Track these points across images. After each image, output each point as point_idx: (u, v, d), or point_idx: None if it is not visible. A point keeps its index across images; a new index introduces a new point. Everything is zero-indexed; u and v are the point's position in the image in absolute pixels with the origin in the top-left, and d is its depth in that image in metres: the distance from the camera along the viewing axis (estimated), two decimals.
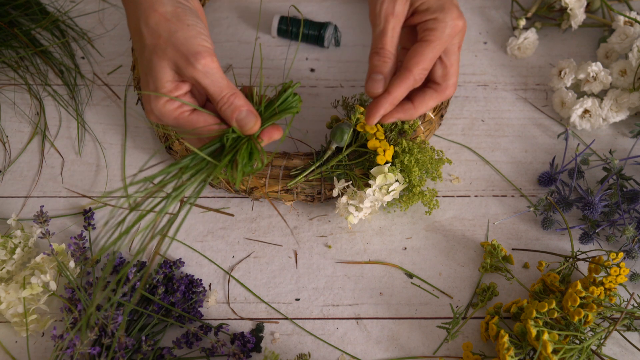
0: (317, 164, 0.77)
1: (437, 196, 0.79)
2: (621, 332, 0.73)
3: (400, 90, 0.67)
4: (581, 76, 0.85)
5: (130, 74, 0.89)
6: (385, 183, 0.74)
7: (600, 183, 0.81)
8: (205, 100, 0.67)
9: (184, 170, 0.62)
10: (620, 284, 0.73)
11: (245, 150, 0.63)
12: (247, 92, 0.67)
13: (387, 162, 0.75)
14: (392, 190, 0.74)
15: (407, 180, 0.76)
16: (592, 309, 0.68)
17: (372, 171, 0.74)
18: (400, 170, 0.76)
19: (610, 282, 0.71)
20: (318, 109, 0.87)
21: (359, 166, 0.77)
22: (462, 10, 0.94)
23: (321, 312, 0.75)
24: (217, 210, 0.80)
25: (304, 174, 0.76)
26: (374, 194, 0.74)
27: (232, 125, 0.64)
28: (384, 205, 0.79)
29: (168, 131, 0.79)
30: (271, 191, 0.78)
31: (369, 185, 0.75)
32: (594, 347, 0.70)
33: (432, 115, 0.81)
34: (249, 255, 0.78)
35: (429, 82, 0.70)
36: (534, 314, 0.67)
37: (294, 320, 0.75)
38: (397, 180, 0.75)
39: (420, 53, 0.66)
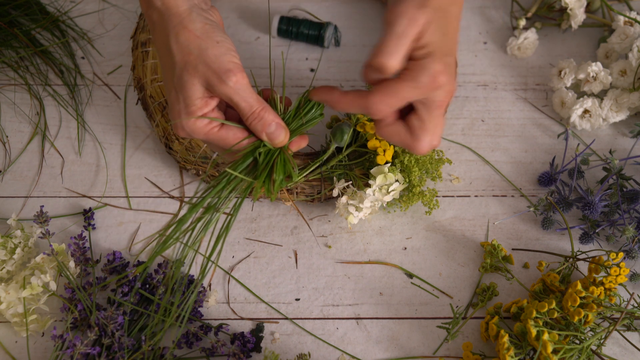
0: (317, 164, 0.77)
1: (437, 196, 0.79)
2: (621, 332, 0.73)
3: (349, 105, 0.63)
4: (581, 76, 0.85)
5: (130, 74, 0.89)
6: (385, 183, 0.74)
7: (600, 183, 0.81)
8: (225, 107, 0.69)
9: (223, 189, 0.65)
10: (620, 284, 0.73)
11: (280, 165, 0.66)
12: (269, 97, 0.68)
13: (387, 162, 0.75)
14: (392, 190, 0.74)
15: (407, 180, 0.76)
16: (592, 309, 0.68)
17: (372, 171, 0.74)
18: (400, 170, 0.76)
19: (610, 282, 0.71)
20: None
21: (359, 166, 0.77)
22: (462, 10, 0.94)
23: (321, 312, 0.75)
24: (217, 210, 0.80)
25: (304, 174, 0.76)
26: (374, 194, 0.74)
27: (263, 139, 0.65)
28: (384, 205, 0.79)
29: (207, 153, 0.78)
30: None
31: (369, 185, 0.75)
32: (594, 347, 0.70)
33: None
34: (249, 255, 0.78)
35: (407, 128, 0.65)
36: (534, 314, 0.67)
37: (294, 320, 0.75)
38: (397, 180, 0.75)
39: (388, 85, 0.61)
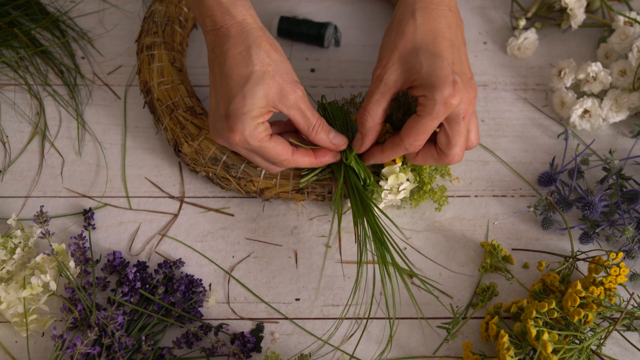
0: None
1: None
2: (621, 332, 0.73)
3: (392, 155, 0.72)
4: (581, 76, 0.85)
5: (130, 74, 0.89)
6: (397, 183, 0.74)
7: (600, 183, 0.81)
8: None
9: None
10: (620, 284, 0.73)
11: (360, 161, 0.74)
12: None
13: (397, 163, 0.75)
14: (403, 189, 0.75)
15: (418, 179, 0.76)
16: (592, 309, 0.68)
17: (383, 171, 0.75)
18: (411, 169, 0.76)
19: (610, 282, 0.71)
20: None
21: (370, 165, 0.77)
22: (462, 10, 0.94)
23: (321, 312, 0.75)
24: (217, 210, 0.80)
25: (315, 172, 0.76)
26: (386, 197, 0.75)
27: (328, 145, 0.72)
28: (395, 204, 0.79)
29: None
30: (282, 191, 0.77)
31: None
32: (594, 347, 0.70)
33: None
34: (249, 255, 0.78)
35: (437, 145, 0.71)
36: (534, 314, 0.67)
37: (294, 320, 0.75)
38: (407, 179, 0.75)
39: (411, 126, 0.68)
